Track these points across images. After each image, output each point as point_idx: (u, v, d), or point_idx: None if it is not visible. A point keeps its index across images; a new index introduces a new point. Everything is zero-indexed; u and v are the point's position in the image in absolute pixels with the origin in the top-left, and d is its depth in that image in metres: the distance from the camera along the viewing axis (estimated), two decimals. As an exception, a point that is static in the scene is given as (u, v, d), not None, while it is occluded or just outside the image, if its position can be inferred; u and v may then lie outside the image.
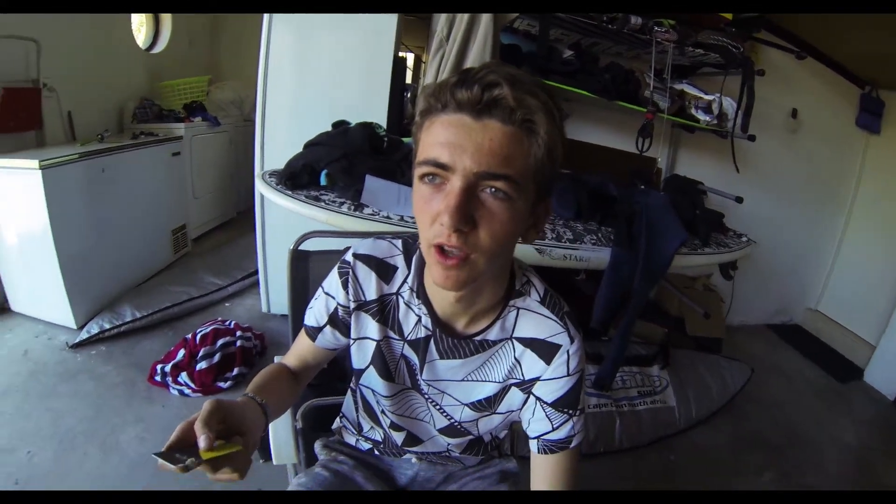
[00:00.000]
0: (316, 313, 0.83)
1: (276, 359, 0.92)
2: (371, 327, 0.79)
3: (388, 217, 1.52)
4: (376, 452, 0.98)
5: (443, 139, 0.58)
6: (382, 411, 0.87)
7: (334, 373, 1.58)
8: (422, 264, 0.75)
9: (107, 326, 2.41)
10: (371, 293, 0.78)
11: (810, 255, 3.49)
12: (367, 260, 0.78)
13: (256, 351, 2.35)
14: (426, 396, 0.82)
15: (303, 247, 1.12)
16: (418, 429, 0.87)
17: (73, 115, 3.02)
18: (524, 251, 1.53)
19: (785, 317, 3.66)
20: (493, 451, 1.01)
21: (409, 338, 0.78)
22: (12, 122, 2.62)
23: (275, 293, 2.70)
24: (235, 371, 2.16)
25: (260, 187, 1.70)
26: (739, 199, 2.33)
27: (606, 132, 2.70)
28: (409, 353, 0.79)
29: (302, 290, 1.08)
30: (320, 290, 0.83)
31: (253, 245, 2.67)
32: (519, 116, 0.57)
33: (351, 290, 0.78)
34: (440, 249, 0.60)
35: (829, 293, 3.55)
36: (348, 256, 0.80)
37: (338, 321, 0.81)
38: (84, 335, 2.37)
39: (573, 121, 2.73)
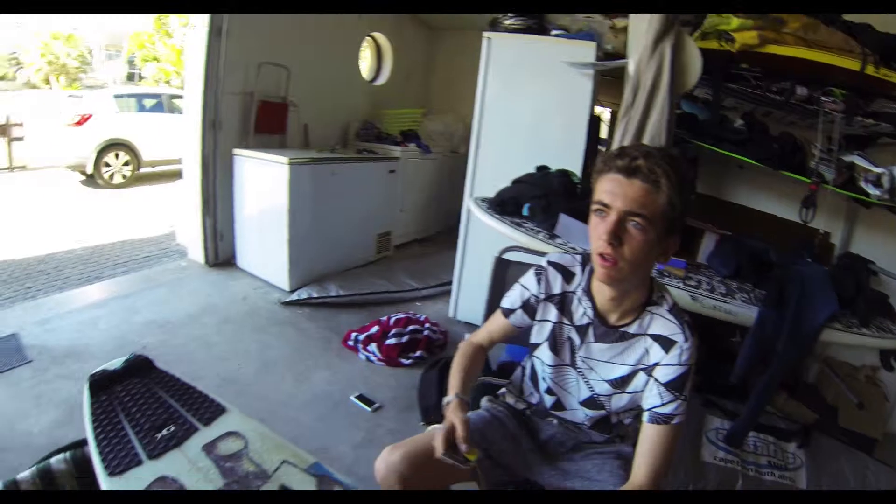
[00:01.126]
0: (512, 299, 1.19)
1: (467, 336, 1.28)
2: (552, 313, 1.13)
3: (573, 248, 1.81)
4: (527, 412, 1.28)
5: (607, 189, 0.94)
6: (543, 378, 1.19)
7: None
8: (591, 272, 1.07)
9: (314, 295, 3.05)
10: (556, 289, 1.13)
11: None
12: (557, 266, 1.14)
13: (439, 343, 2.71)
14: (579, 371, 1.11)
15: (504, 256, 1.48)
16: (566, 398, 1.17)
17: (308, 127, 3.85)
18: (679, 294, 1.72)
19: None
20: (617, 437, 1.24)
21: (576, 324, 1.10)
22: (265, 126, 3.50)
23: (464, 301, 3.06)
24: (418, 353, 2.55)
25: (472, 208, 2.12)
26: (914, 285, 2.19)
27: (774, 200, 2.69)
28: (574, 335, 1.10)
29: (499, 288, 1.43)
30: (518, 284, 1.19)
31: (451, 258, 3.09)
32: (651, 178, 0.90)
33: (543, 286, 1.13)
34: (601, 256, 0.94)
35: None
36: (544, 262, 1.16)
37: (528, 306, 1.16)
38: (294, 297, 3.03)
39: (743, 186, 2.78)
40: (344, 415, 2.15)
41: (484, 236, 2.59)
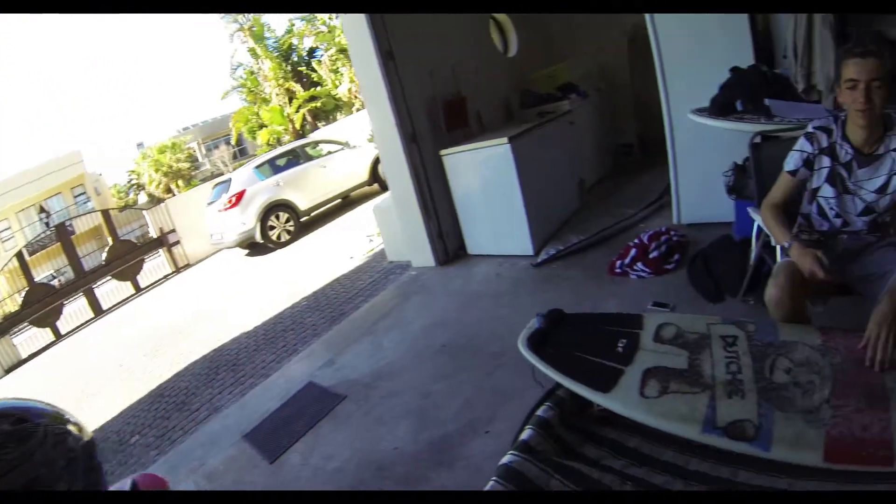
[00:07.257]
0: (795, 161, 1.62)
1: (764, 201, 1.66)
2: (825, 161, 1.58)
3: (789, 121, 2.15)
4: (822, 239, 1.66)
5: (853, 70, 1.41)
6: (830, 208, 1.61)
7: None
8: (843, 124, 1.54)
9: (560, 248, 3.29)
10: (825, 143, 1.57)
11: None
12: (821, 128, 1.58)
13: (683, 242, 2.93)
14: (852, 193, 1.56)
15: (755, 141, 1.92)
16: (848, 217, 1.59)
17: (480, 114, 4.11)
18: None
19: None
20: (888, 228, 1.58)
21: (842, 161, 1.55)
22: (453, 123, 3.80)
23: (686, 206, 3.16)
24: (676, 257, 2.80)
25: (697, 118, 2.55)
26: None
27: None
28: (842, 170, 1.56)
29: (759, 167, 1.90)
30: (794, 150, 1.62)
31: (647, 179, 3.38)
32: (879, 55, 1.38)
33: (815, 145, 1.58)
34: (861, 112, 1.43)
35: None
36: (810, 128, 1.59)
37: (808, 162, 1.60)
38: (544, 256, 3.28)
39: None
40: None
41: (691, 145, 2.91)
